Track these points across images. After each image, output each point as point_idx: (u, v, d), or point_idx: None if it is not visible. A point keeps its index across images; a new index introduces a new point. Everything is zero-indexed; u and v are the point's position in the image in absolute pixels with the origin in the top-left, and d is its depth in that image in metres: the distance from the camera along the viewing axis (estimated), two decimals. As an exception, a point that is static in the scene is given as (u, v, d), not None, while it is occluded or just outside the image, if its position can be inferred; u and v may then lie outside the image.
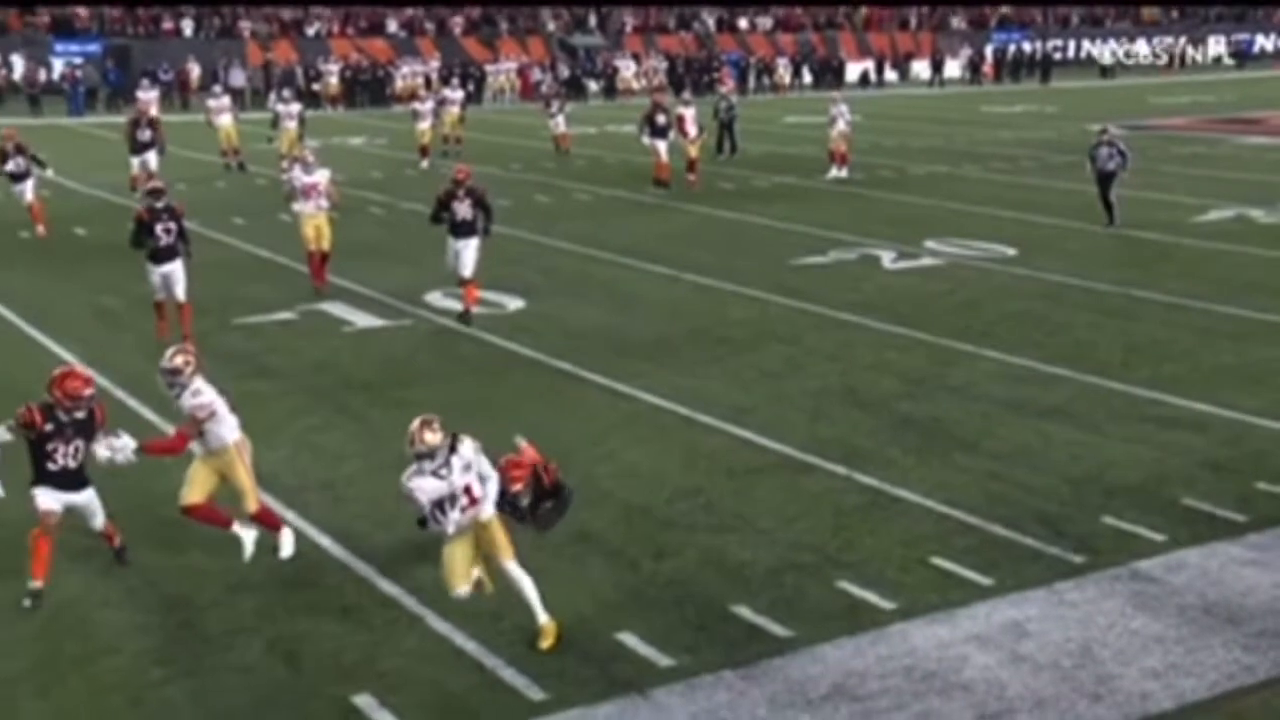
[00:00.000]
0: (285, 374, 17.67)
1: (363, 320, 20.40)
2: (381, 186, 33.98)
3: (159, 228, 18.14)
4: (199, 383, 11.36)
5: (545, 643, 10.04)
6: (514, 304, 21.37)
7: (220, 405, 11.48)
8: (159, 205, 18.21)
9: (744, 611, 10.65)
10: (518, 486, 10.77)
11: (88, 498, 11.19)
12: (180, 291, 18.54)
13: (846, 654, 9.95)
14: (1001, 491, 13.06)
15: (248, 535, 11.65)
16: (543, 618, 10.09)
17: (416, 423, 10.06)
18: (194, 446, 11.56)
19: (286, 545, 11.80)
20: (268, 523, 11.81)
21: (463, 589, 10.19)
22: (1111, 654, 9.93)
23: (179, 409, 11.53)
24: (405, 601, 11.04)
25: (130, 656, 9.94)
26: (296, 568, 11.71)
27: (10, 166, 26.07)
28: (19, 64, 60.81)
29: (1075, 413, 15.46)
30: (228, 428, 11.57)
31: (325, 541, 12.26)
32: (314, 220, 21.77)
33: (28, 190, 27.34)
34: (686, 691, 9.45)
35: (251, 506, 11.71)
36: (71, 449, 10.92)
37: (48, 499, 10.90)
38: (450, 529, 9.96)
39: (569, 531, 12.33)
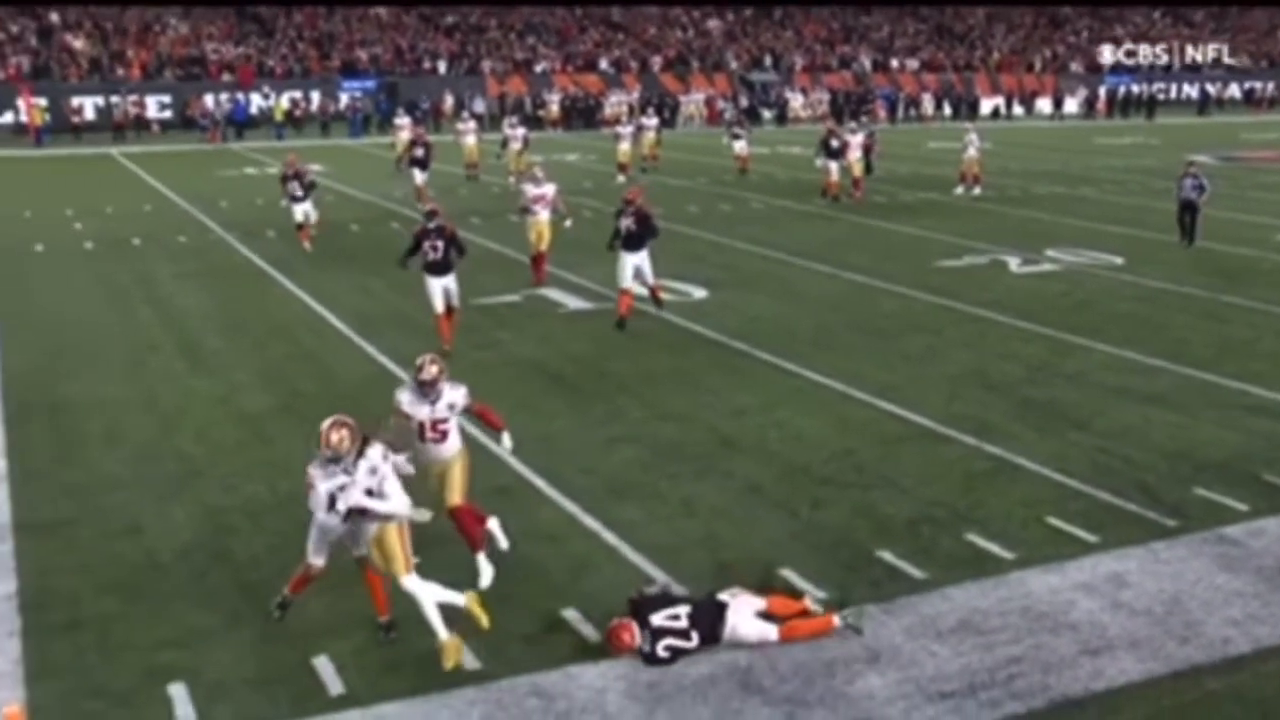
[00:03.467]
0: (510, 346, 17.88)
1: (574, 303, 20.58)
2: (591, 194, 34.21)
3: (426, 244, 17.14)
4: (449, 386, 10.20)
5: (448, 662, 8.70)
6: (698, 293, 21.39)
7: None
8: (431, 226, 17.25)
9: (886, 556, 10.56)
10: (634, 642, 8.83)
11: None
12: (455, 300, 17.39)
13: (972, 595, 9.84)
14: (1108, 464, 12.77)
15: (498, 528, 10.60)
16: (443, 635, 8.81)
17: (326, 423, 8.71)
18: (425, 453, 10.18)
19: (485, 574, 10.16)
20: (469, 527, 10.31)
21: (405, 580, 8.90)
22: (1198, 604, 9.69)
23: (427, 417, 10.10)
24: (604, 535, 11.11)
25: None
26: (518, 504, 11.82)
27: (292, 188, 26.06)
28: (315, 98, 62.51)
29: (1173, 399, 15.05)
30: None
31: (540, 483, 12.37)
32: (539, 225, 21.96)
33: (307, 210, 26.32)
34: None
35: (457, 499, 10.29)
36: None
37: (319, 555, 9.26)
38: (327, 520, 8.75)
39: (743, 483, 12.39)
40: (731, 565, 10.34)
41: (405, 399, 10.13)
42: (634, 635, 8.79)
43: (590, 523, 11.39)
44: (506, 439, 10.72)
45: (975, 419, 14.23)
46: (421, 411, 10.08)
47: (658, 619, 8.82)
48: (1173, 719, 8.19)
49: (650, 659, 8.72)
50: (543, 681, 8.61)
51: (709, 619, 8.90)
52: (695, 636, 8.81)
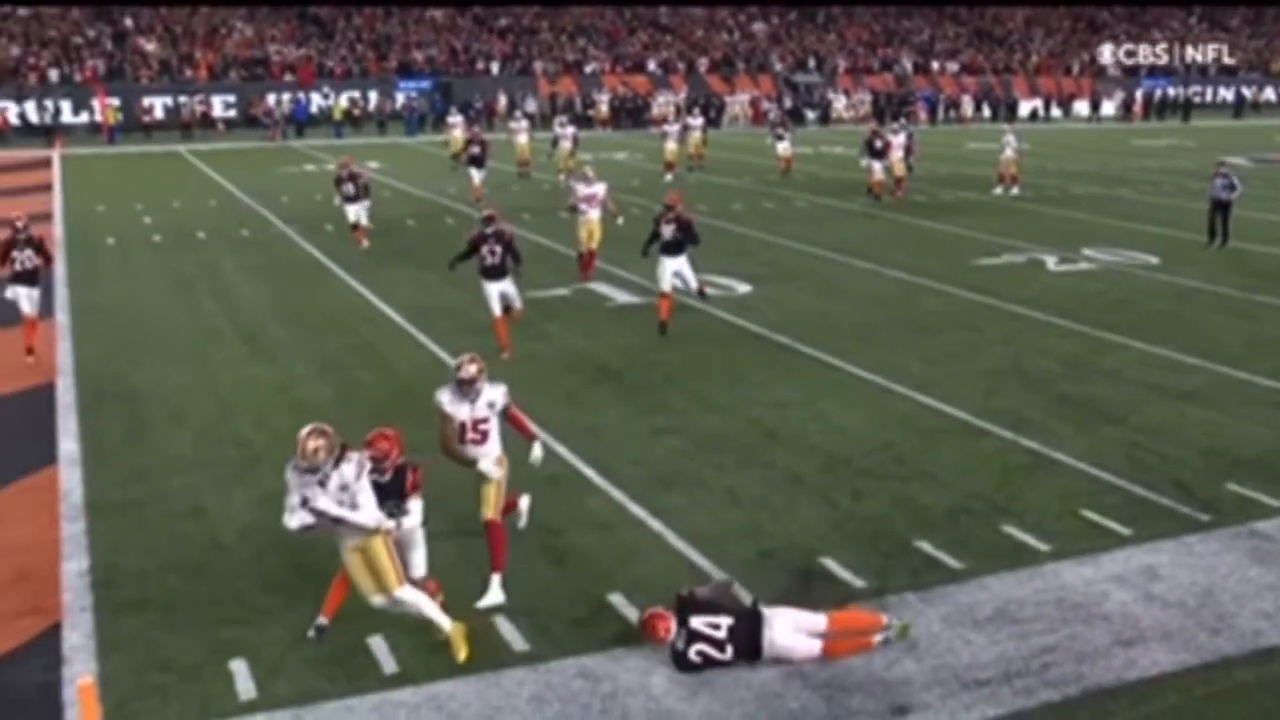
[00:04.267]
0: (559, 338, 17.90)
1: (622, 297, 20.57)
2: (639, 191, 34.15)
3: (484, 248, 16.58)
4: (489, 388, 9.84)
5: (460, 653, 8.67)
6: (743, 288, 21.34)
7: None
8: (488, 230, 16.67)
9: (924, 546, 10.50)
10: (668, 636, 8.63)
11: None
12: (517, 303, 16.94)
13: (1008, 585, 9.77)
14: (1143, 459, 12.64)
15: (526, 508, 10.65)
16: (447, 626, 8.78)
17: (304, 431, 8.37)
18: (469, 455, 9.87)
19: (493, 593, 9.61)
20: (496, 545, 9.78)
21: (376, 598, 8.66)
22: (1230, 597, 9.60)
23: (468, 416, 9.78)
24: (650, 523, 11.10)
25: (450, 560, 10.02)
26: (566, 492, 11.86)
27: (346, 190, 25.83)
28: (373, 97, 62.80)
29: (1206, 396, 14.87)
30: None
31: (589, 472, 12.37)
32: (589, 224, 21.96)
33: (360, 212, 25.97)
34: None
35: (492, 515, 9.89)
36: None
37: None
38: (295, 524, 8.42)
39: (785, 474, 12.36)
40: (774, 554, 10.33)
41: (445, 399, 9.83)
42: (669, 630, 8.62)
43: (637, 511, 11.39)
44: (537, 449, 10.34)
45: (1012, 413, 14.13)
46: (462, 411, 9.78)
47: (698, 622, 8.56)
48: (1204, 709, 8.12)
49: (680, 660, 8.51)
50: (589, 663, 8.63)
51: (748, 634, 8.54)
52: (730, 650, 8.51)
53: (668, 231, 17.98)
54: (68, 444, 13.47)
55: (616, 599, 9.59)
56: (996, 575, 9.94)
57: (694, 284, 18.41)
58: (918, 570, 10.06)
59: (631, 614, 9.31)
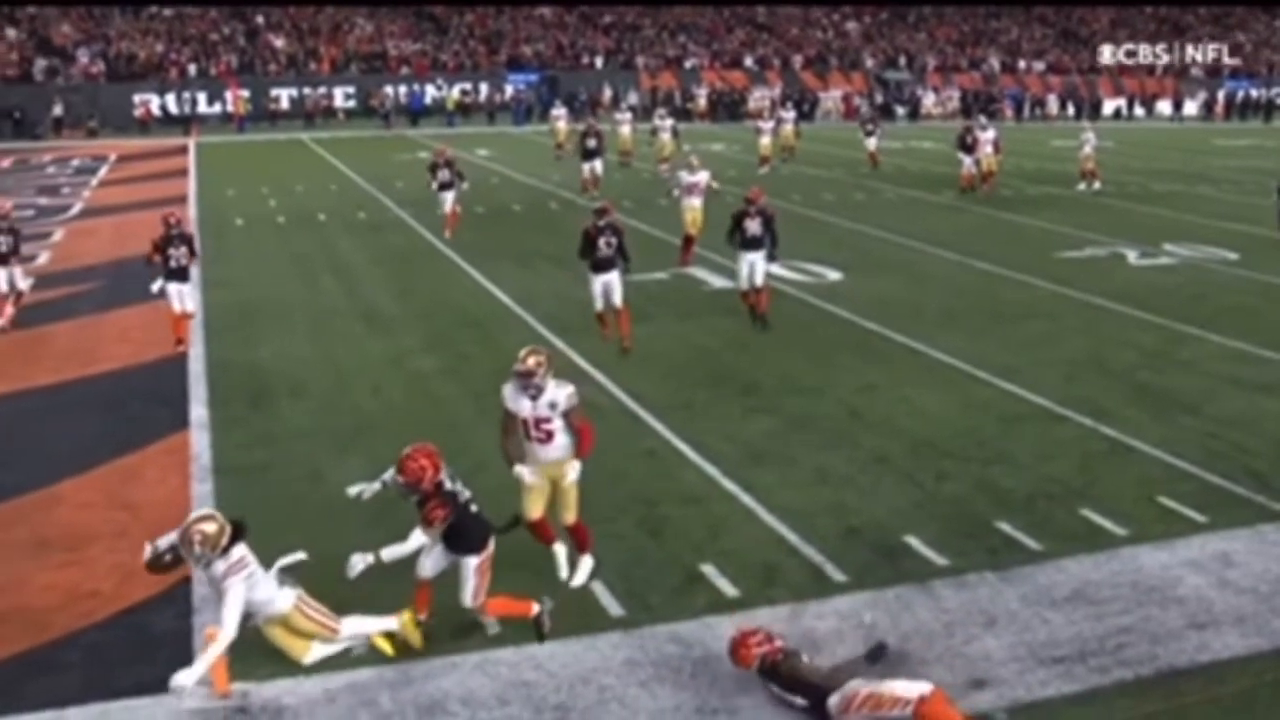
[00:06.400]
0: (658, 320, 17.83)
1: (718, 282, 20.47)
2: (736, 182, 33.85)
3: (601, 241, 15.85)
4: (554, 383, 9.05)
5: (415, 643, 8.31)
6: (833, 275, 21.17)
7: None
8: (602, 223, 15.92)
9: (1004, 527, 10.35)
10: (749, 667, 7.84)
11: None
12: (617, 299, 16.02)
13: (1085, 567, 9.60)
14: (1218, 449, 12.33)
15: (561, 552, 9.43)
16: (394, 624, 8.33)
17: (193, 517, 7.84)
18: (534, 453, 9.12)
19: (583, 571, 9.34)
20: (580, 538, 9.45)
21: (307, 660, 8.11)
22: (1305, 583, 9.34)
23: (529, 413, 9.06)
24: (742, 497, 11.05)
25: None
26: (662, 466, 11.87)
27: (441, 176, 25.00)
28: (484, 89, 63.15)
29: (1284, 388, 14.56)
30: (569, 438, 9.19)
31: (683, 447, 12.35)
32: (693, 210, 21.88)
33: (449, 200, 25.04)
34: (957, 585, 9.26)
35: (571, 519, 9.32)
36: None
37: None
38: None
39: (871, 454, 12.24)
40: (859, 531, 10.25)
41: (507, 392, 9.04)
42: (751, 662, 7.80)
43: (729, 485, 11.34)
44: (575, 469, 9.14)
45: (1091, 401, 13.87)
46: (523, 407, 8.96)
47: (774, 688, 7.73)
48: (1275, 693, 7.91)
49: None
50: (681, 630, 8.62)
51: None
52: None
53: (753, 227, 17.08)
54: (198, 410, 13.75)
55: (708, 569, 9.56)
56: (1074, 557, 9.76)
57: (759, 282, 17.22)
58: (997, 550, 9.91)
59: (723, 584, 9.30)
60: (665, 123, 38.50)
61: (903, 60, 74.40)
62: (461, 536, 8.38)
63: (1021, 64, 76.62)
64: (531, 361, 8.89)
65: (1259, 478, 11.49)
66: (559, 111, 44.46)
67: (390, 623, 8.33)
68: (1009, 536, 10.18)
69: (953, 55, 76.61)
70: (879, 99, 67.00)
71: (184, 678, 7.31)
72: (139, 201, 30.67)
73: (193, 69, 59.54)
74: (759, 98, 63.02)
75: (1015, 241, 25.16)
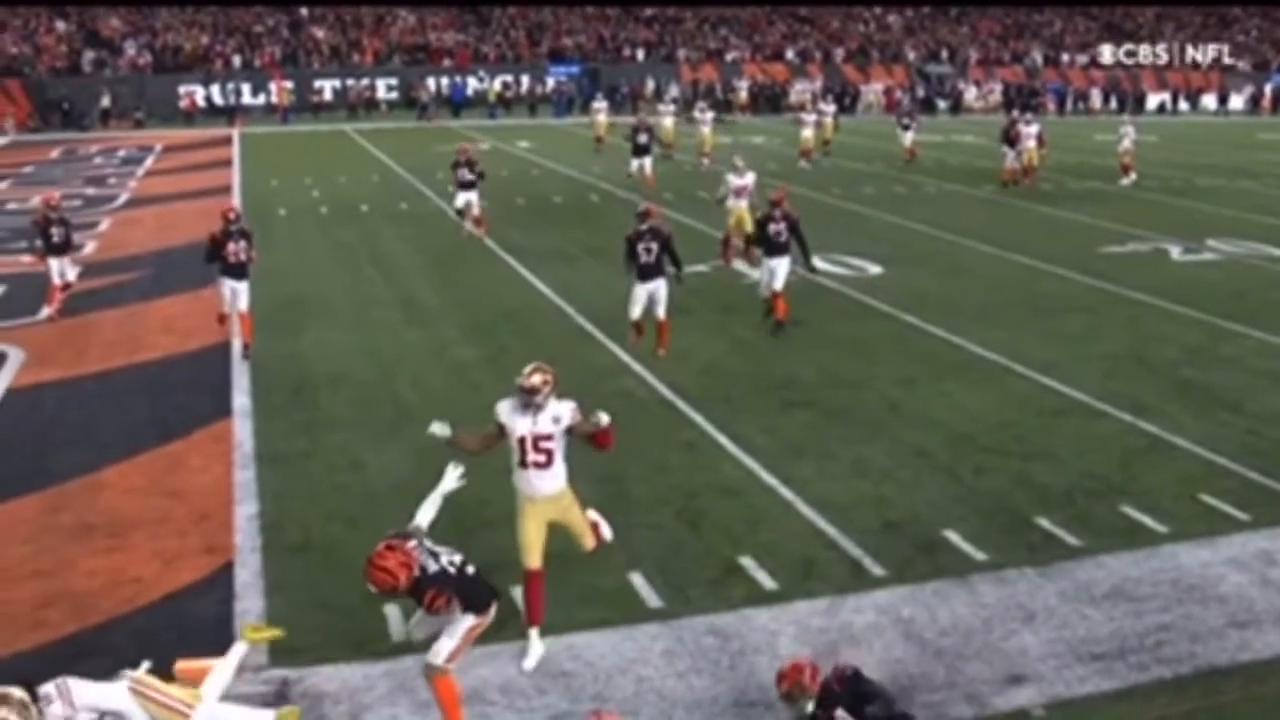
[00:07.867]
0: (697, 313, 17.78)
1: (756, 275, 20.39)
2: (776, 175, 33.78)
3: (640, 247, 15.21)
4: (555, 402, 8.25)
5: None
6: (873, 269, 21.07)
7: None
8: (643, 227, 15.27)
9: (1043, 522, 10.29)
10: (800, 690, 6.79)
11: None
12: (660, 310, 15.44)
13: (1125, 564, 9.53)
14: (1260, 445, 12.20)
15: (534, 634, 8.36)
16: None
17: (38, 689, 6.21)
18: (529, 485, 8.29)
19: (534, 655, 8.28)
20: (596, 533, 8.79)
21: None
22: (1350, 583, 9.23)
23: (528, 431, 8.19)
24: (781, 490, 11.04)
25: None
26: (701, 458, 11.85)
27: (462, 175, 23.94)
28: (525, 81, 63.23)
29: (1329, 385, 14.37)
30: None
31: (723, 439, 12.35)
32: (739, 213, 21.74)
33: (471, 199, 23.85)
34: (996, 581, 9.21)
35: (590, 544, 8.69)
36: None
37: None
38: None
39: (910, 448, 12.19)
40: (898, 525, 10.21)
41: (504, 408, 8.30)
42: (804, 689, 6.85)
43: (768, 478, 11.33)
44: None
45: (1131, 397, 13.75)
46: (522, 424, 8.17)
47: (840, 712, 6.74)
48: (1319, 693, 7.84)
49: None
50: (719, 622, 8.62)
51: None
52: None
53: (776, 231, 16.54)
54: (240, 398, 13.85)
55: (747, 561, 9.55)
56: (1114, 554, 9.70)
57: (778, 285, 16.57)
58: (1036, 546, 9.85)
59: (761, 577, 9.29)
60: (705, 115, 38.37)
61: (945, 54, 73.90)
62: (466, 599, 7.34)
63: (1065, 58, 75.95)
64: (537, 379, 8.17)
65: (1302, 475, 11.38)
66: (600, 104, 44.40)
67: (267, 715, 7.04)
68: (1048, 532, 10.11)
69: (995, 49, 76.04)
70: (920, 92, 66.57)
71: None
72: (184, 192, 30.90)
73: (237, 60, 59.94)
74: (800, 90, 62.74)
75: (1056, 236, 24.95)
